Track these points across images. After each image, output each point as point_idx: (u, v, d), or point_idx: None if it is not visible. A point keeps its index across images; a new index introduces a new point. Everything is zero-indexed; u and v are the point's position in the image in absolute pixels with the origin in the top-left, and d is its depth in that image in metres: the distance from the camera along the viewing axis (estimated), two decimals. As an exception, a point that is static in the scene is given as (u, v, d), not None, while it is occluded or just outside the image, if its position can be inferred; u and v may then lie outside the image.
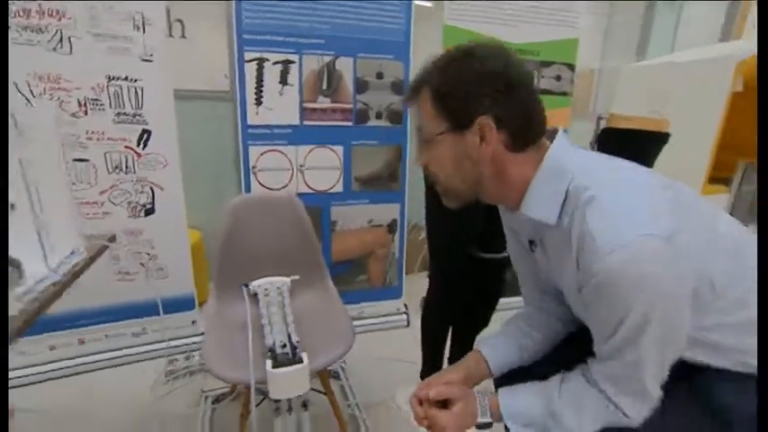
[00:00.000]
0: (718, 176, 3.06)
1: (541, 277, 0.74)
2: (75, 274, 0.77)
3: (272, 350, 0.81)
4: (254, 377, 0.80)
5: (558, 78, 1.95)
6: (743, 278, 0.58)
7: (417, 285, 2.10)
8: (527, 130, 0.59)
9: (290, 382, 0.76)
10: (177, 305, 1.56)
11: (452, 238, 1.08)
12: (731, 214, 2.27)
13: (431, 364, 1.26)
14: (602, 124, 1.36)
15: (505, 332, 0.81)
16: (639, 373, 0.56)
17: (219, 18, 1.58)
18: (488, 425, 0.67)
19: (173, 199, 1.47)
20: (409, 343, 1.74)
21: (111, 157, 1.37)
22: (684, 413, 0.64)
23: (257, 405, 0.90)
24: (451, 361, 1.32)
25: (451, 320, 1.21)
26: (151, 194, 1.44)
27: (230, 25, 1.41)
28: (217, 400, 1.33)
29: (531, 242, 0.70)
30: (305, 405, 0.84)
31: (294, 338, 0.85)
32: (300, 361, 0.77)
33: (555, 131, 0.61)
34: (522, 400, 0.67)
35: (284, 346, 0.82)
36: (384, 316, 1.89)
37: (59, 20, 1.21)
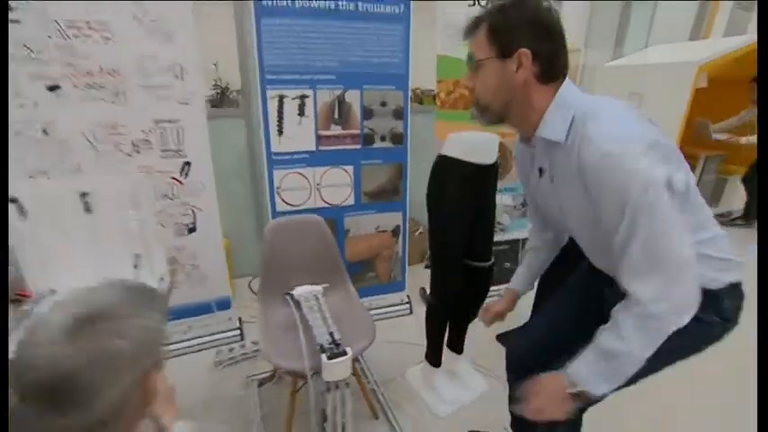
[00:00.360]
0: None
1: (539, 204, 0.98)
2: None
3: (322, 346, 1.10)
4: (308, 366, 1.10)
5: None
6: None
7: (417, 277, 2.42)
8: (553, 67, 0.76)
9: (338, 369, 1.06)
10: (217, 306, 1.84)
11: (451, 252, 1.38)
12: None
13: (434, 348, 1.57)
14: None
15: (522, 264, 1.18)
16: (662, 247, 0.66)
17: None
18: (578, 394, 0.76)
19: (210, 218, 1.73)
20: (413, 328, 2.06)
21: (158, 187, 1.61)
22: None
23: (303, 385, 1.20)
24: (450, 344, 1.63)
25: (450, 315, 1.52)
26: (193, 216, 1.69)
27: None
28: (261, 383, 1.63)
29: (541, 170, 0.86)
30: (347, 384, 1.14)
31: (336, 336, 1.14)
32: (345, 353, 1.07)
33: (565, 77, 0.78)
34: (582, 361, 0.77)
35: (330, 342, 1.11)
36: (391, 306, 2.21)
37: (116, 75, 1.43)
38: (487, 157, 1.33)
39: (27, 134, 1.37)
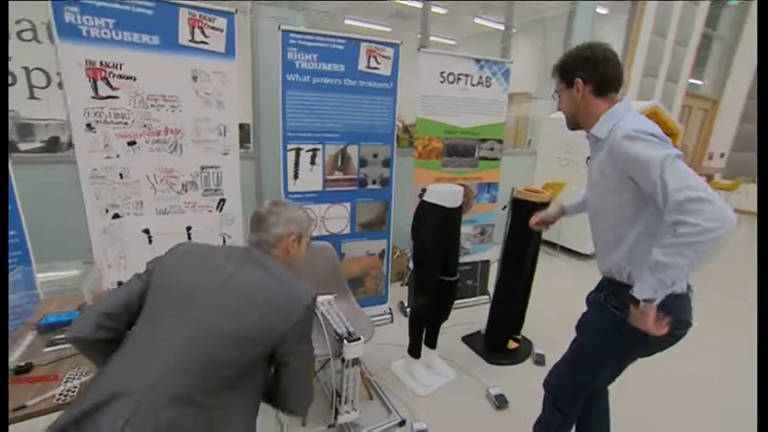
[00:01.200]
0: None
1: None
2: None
3: (341, 335, 1.56)
4: (332, 350, 1.56)
5: (492, 149, 2.85)
6: None
7: (396, 292, 2.93)
8: (602, 85, 1.11)
9: (356, 350, 1.52)
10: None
11: (430, 270, 1.90)
12: None
13: (415, 343, 2.06)
14: (514, 193, 2.25)
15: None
16: (695, 184, 0.88)
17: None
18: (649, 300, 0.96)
19: (237, 242, 2.16)
20: (394, 333, 2.54)
21: (198, 218, 2.03)
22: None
23: (321, 368, 1.64)
24: (426, 341, 2.12)
25: (428, 317, 2.02)
26: (223, 242, 2.12)
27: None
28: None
29: (588, 158, 1.22)
30: (360, 361, 1.60)
31: (350, 328, 1.61)
32: (359, 339, 1.54)
33: (622, 96, 1.13)
34: (644, 279, 0.97)
35: (347, 332, 1.57)
36: (376, 315, 2.68)
37: (176, 134, 1.88)
38: (455, 202, 1.89)
39: (108, 178, 1.78)
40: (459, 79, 2.59)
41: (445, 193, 1.87)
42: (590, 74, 1.12)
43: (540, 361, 2.30)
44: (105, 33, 1.67)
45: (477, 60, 2.62)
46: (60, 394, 1.04)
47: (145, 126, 1.81)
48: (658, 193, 0.94)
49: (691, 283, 1.11)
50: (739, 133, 7.10)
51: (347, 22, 7.04)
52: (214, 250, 1.02)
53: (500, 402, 1.92)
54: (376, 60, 2.24)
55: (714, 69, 7.09)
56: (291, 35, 2.02)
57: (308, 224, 1.14)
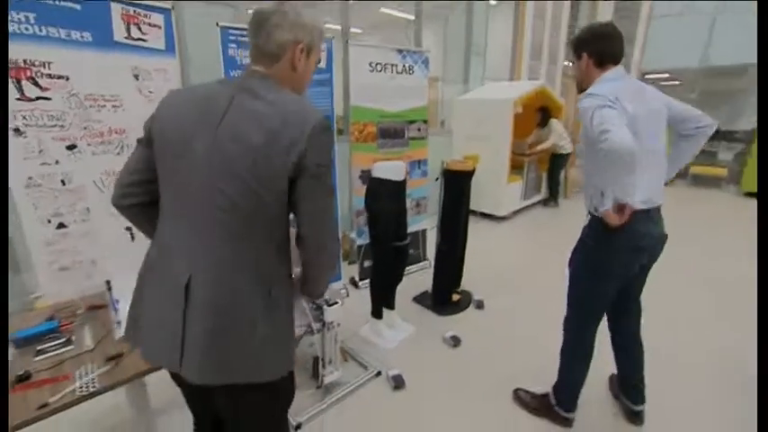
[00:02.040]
0: (514, 169, 4.87)
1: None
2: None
3: (320, 302, 1.76)
4: (312, 318, 1.74)
5: (419, 129, 3.19)
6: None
7: (346, 270, 3.16)
8: (601, 58, 1.40)
9: (335, 313, 1.73)
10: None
11: (385, 236, 2.16)
12: (524, 193, 4.47)
13: (378, 305, 2.33)
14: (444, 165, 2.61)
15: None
16: (603, 122, 1.22)
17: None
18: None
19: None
20: (353, 305, 2.77)
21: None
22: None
23: (300, 338, 1.83)
24: (387, 303, 2.40)
25: (387, 281, 2.30)
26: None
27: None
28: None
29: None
30: (339, 324, 1.81)
31: (326, 295, 1.81)
32: (337, 302, 1.75)
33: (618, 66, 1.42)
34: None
35: (325, 299, 1.77)
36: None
37: (121, 134, 1.84)
38: (400, 175, 2.17)
39: (48, 186, 1.69)
40: (386, 68, 2.85)
41: (392, 168, 2.14)
42: (593, 49, 1.42)
43: (480, 306, 2.74)
44: (26, 29, 1.57)
45: (400, 51, 2.90)
46: (80, 387, 1.09)
47: (85, 128, 1.74)
48: (593, 130, 1.26)
49: (645, 202, 1.39)
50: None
51: (249, 11, 6.80)
52: (203, 90, 0.87)
53: (455, 342, 2.30)
54: (312, 53, 2.39)
55: (581, 52, 8.40)
56: (230, 31, 2.07)
57: (320, 35, 0.93)
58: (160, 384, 1.24)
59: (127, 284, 1.65)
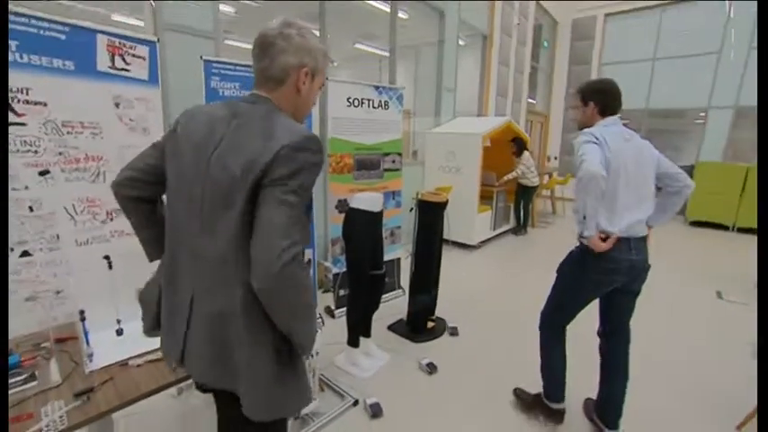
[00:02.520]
0: (483, 200, 5.08)
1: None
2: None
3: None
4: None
5: (393, 161, 3.31)
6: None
7: (321, 299, 3.14)
8: (604, 109, 1.69)
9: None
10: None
11: (362, 265, 2.20)
12: (494, 223, 4.67)
13: (354, 334, 2.33)
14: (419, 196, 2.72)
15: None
16: (583, 155, 1.53)
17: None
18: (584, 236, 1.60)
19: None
20: (328, 334, 2.75)
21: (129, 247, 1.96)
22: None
23: None
24: (363, 331, 2.40)
25: (362, 309, 2.31)
26: (153, 267, 2.07)
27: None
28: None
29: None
30: (318, 352, 1.80)
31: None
32: (317, 331, 1.75)
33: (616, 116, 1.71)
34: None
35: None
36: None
37: (98, 161, 1.82)
38: (377, 207, 2.24)
39: (15, 212, 1.63)
40: (362, 103, 2.98)
41: (369, 200, 2.21)
42: (599, 99, 1.71)
43: (454, 332, 2.79)
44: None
45: (377, 87, 3.05)
46: (47, 426, 1.04)
47: (60, 154, 1.71)
48: (576, 160, 1.57)
49: (625, 231, 1.61)
50: (564, 140, 9.20)
51: (228, 42, 6.93)
52: (211, 112, 0.90)
53: (431, 369, 2.32)
54: (292, 87, 2.48)
55: (541, 92, 9.07)
56: (214, 65, 2.13)
57: (325, 58, 0.94)
58: (131, 420, 1.20)
59: (103, 314, 1.59)
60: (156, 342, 1.07)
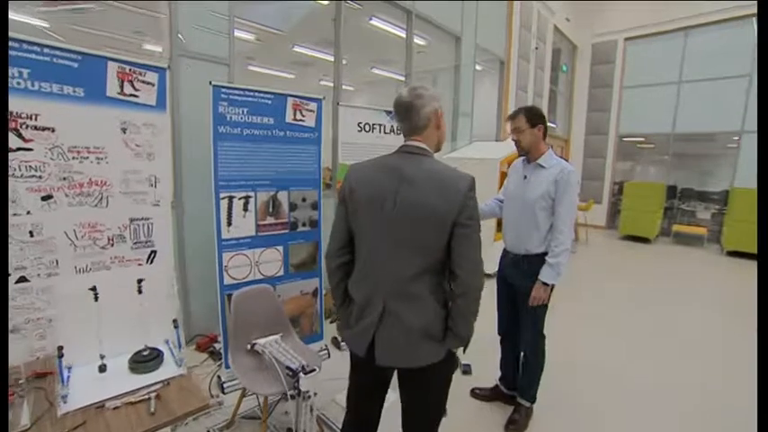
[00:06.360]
0: (501, 227, 4.86)
1: (510, 194, 2.08)
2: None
3: (296, 369, 1.64)
4: (287, 386, 1.62)
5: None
6: None
7: (329, 329, 3.02)
8: (545, 134, 1.92)
9: (310, 382, 1.61)
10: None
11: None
12: None
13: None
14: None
15: (487, 203, 2.23)
16: (573, 210, 1.88)
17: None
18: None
19: (169, 295, 2.07)
20: (333, 367, 2.61)
21: (125, 272, 1.92)
22: None
23: (273, 409, 1.68)
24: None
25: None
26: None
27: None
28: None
29: (525, 176, 1.98)
30: (316, 393, 1.67)
31: (303, 362, 1.69)
32: (314, 370, 1.63)
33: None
34: (545, 272, 1.89)
35: (302, 366, 1.65)
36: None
37: (102, 186, 1.81)
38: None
39: (15, 237, 1.62)
40: (373, 128, 2.94)
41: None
42: (544, 124, 1.91)
43: (467, 371, 2.61)
44: (18, 83, 1.58)
45: (388, 112, 3.01)
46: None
47: (65, 179, 1.71)
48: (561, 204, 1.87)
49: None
50: (585, 164, 8.96)
51: (250, 68, 7.16)
52: (381, 162, 1.22)
53: (439, 411, 2.14)
54: (301, 113, 2.46)
55: (561, 116, 8.93)
56: (223, 90, 2.13)
57: (440, 98, 1.27)
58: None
59: (83, 349, 1.51)
60: (137, 381, 0.99)
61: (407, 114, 1.19)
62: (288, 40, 6.35)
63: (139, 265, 1.96)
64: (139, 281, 1.57)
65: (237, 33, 2.92)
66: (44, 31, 3.37)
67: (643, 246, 7.26)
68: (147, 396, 1.19)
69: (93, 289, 1.48)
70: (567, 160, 1.97)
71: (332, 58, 3.86)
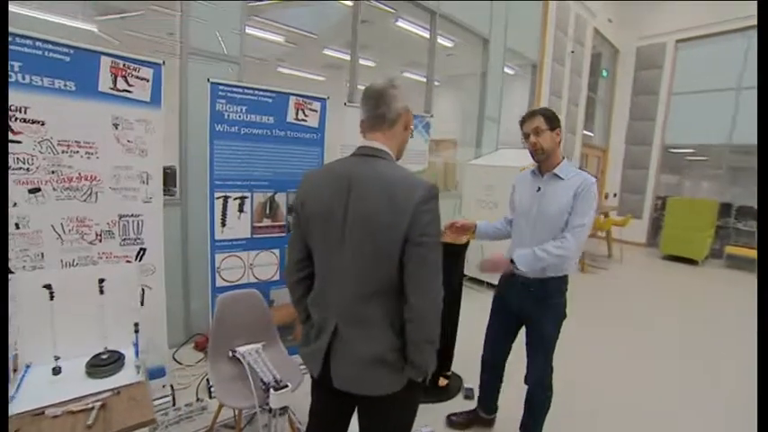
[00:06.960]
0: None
1: (523, 209, 1.78)
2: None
3: (268, 383, 1.53)
4: (258, 401, 1.51)
5: (416, 193, 3.07)
6: None
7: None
8: (561, 139, 1.68)
9: (283, 398, 1.49)
10: (153, 374, 2.06)
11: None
12: None
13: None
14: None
15: (492, 223, 2.00)
16: (589, 219, 1.59)
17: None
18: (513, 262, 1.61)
19: (157, 294, 2.03)
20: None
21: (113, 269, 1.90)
22: None
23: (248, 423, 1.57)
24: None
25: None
26: (142, 293, 1.98)
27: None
28: (199, 437, 1.88)
29: (539, 189, 1.70)
30: (288, 409, 1.56)
31: (278, 376, 1.58)
32: (286, 386, 1.51)
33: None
34: (522, 255, 1.60)
35: (275, 380, 1.54)
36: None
37: (92, 180, 1.79)
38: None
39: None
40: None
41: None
42: (560, 128, 1.69)
43: (469, 395, 2.40)
44: (10, 77, 1.59)
45: (400, 114, 2.87)
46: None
47: (53, 172, 1.70)
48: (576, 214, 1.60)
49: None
50: (624, 176, 8.38)
51: (280, 70, 7.26)
52: (330, 170, 1.09)
53: (432, 439, 1.97)
54: (304, 113, 2.38)
55: (599, 125, 8.41)
56: (221, 87, 2.09)
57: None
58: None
59: (41, 349, 1.42)
60: (91, 387, 0.90)
61: (377, 103, 1.06)
62: (319, 44, 6.38)
63: (128, 261, 1.93)
64: (101, 280, 1.51)
65: (266, 35, 2.89)
66: (101, 35, 3.59)
67: (688, 267, 6.63)
68: (91, 405, 1.12)
69: (48, 287, 1.42)
70: (587, 171, 1.75)
71: (365, 62, 3.77)
